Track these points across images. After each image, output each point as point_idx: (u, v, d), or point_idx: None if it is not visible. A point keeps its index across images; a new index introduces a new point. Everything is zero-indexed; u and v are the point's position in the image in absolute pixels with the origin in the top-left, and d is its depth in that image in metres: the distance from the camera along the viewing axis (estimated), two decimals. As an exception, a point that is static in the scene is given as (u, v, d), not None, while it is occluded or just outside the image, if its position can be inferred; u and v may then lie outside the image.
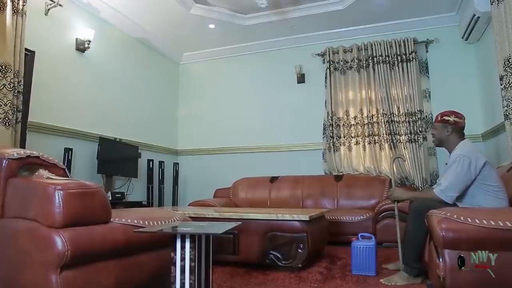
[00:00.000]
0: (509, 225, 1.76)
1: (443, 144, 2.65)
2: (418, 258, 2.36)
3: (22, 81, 3.30)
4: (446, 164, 2.65)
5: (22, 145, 3.42)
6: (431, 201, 2.37)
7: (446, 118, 2.61)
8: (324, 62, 5.38)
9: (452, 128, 2.58)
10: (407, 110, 4.87)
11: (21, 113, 3.29)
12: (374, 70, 5.07)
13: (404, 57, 4.95)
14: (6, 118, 3.11)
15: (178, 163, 5.82)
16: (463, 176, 2.36)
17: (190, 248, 1.56)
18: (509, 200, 2.38)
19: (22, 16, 3.28)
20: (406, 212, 2.74)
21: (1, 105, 3.08)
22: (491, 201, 2.34)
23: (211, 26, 5.26)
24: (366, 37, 5.21)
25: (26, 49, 3.54)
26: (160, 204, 5.32)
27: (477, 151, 2.48)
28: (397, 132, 4.89)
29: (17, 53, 3.23)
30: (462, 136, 2.60)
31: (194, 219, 2.61)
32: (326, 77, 5.28)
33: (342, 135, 5.14)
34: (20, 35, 3.26)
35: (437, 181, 2.67)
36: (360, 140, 5.05)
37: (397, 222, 2.78)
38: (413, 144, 4.76)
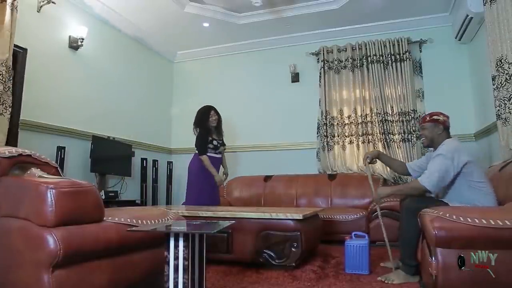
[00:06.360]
0: (501, 223, 1.77)
1: (433, 143, 2.68)
2: (414, 256, 2.37)
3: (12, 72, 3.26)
4: None
5: (14, 143, 3.39)
6: (422, 199, 2.40)
7: (436, 117, 2.66)
8: (318, 61, 5.39)
9: (442, 127, 2.63)
10: (401, 109, 4.89)
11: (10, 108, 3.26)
12: (368, 69, 5.09)
13: (398, 56, 4.98)
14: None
15: (172, 162, 5.80)
16: (445, 168, 2.39)
17: (184, 247, 1.56)
18: (501, 199, 2.40)
19: (13, 10, 3.22)
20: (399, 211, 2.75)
21: None
22: (481, 197, 2.37)
23: (205, 24, 5.24)
24: (360, 37, 5.23)
25: (18, 47, 3.52)
26: (154, 203, 5.30)
27: (462, 149, 2.50)
28: (390, 131, 4.91)
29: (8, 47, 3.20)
30: (449, 135, 2.65)
31: (188, 218, 2.61)
32: (320, 76, 5.29)
33: (336, 134, 5.16)
34: (10, 29, 3.21)
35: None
36: (354, 139, 5.07)
37: (381, 222, 2.80)
38: (407, 143, 4.79)
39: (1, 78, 3.09)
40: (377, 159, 3.03)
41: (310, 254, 3.19)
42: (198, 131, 4.30)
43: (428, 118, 2.70)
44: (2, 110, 3.14)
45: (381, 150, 4.88)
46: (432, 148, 2.74)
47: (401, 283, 2.33)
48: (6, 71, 3.14)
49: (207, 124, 4.26)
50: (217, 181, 4.17)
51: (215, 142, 4.24)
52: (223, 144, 4.40)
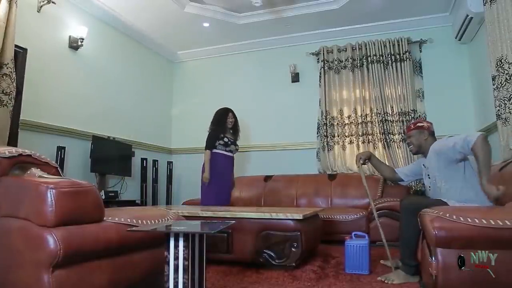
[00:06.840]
0: (501, 223, 1.77)
1: (421, 149, 2.73)
2: (414, 256, 2.37)
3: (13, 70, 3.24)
4: (424, 165, 2.74)
5: (14, 144, 3.39)
6: (420, 198, 2.39)
7: (420, 124, 2.76)
8: (318, 61, 5.39)
9: (427, 132, 2.71)
10: (401, 109, 4.89)
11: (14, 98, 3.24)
12: (368, 69, 5.09)
13: (398, 56, 4.98)
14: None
15: (172, 162, 5.80)
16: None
17: (184, 247, 1.56)
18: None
19: (12, 4, 3.20)
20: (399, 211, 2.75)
21: None
22: (475, 195, 2.36)
23: (205, 24, 5.24)
24: (360, 37, 5.23)
25: (18, 46, 3.51)
26: (154, 203, 5.30)
27: None
28: (390, 131, 4.91)
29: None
30: (435, 139, 2.72)
31: (188, 218, 2.61)
32: (320, 76, 5.29)
33: (336, 134, 5.16)
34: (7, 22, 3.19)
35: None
36: (354, 139, 5.07)
37: (378, 223, 2.77)
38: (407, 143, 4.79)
39: None
40: (368, 161, 3.03)
41: (310, 254, 3.19)
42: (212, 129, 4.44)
43: (412, 126, 2.78)
44: (7, 101, 3.12)
45: (381, 150, 4.90)
46: (422, 154, 2.79)
47: (401, 283, 2.33)
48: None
49: (224, 125, 4.45)
50: (203, 177, 4.25)
51: (226, 139, 4.36)
52: (235, 144, 4.50)
